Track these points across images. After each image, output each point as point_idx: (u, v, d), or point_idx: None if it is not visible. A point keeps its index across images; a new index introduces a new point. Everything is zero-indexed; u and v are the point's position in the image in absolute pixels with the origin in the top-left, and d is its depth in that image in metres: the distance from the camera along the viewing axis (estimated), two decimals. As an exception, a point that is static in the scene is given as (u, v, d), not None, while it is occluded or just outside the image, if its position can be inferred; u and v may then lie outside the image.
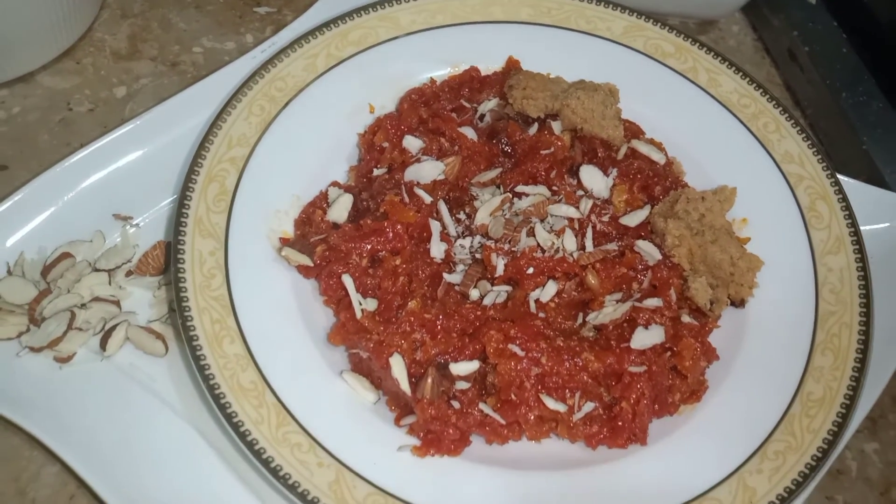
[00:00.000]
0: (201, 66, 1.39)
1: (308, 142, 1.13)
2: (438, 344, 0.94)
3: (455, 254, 1.05)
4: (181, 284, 0.96)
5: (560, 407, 0.92)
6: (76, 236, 1.10)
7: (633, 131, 1.17)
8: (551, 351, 0.94)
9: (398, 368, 0.92)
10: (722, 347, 1.03)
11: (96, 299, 1.06)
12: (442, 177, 1.08)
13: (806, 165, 1.16)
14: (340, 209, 1.07)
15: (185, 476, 0.94)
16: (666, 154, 1.17)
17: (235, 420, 0.88)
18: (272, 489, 0.92)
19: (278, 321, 0.99)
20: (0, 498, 0.96)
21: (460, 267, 1.04)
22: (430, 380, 0.92)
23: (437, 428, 0.92)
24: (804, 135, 1.18)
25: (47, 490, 0.98)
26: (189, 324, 0.94)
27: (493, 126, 1.14)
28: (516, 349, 0.93)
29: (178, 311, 0.95)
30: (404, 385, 0.92)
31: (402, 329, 0.95)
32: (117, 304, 1.07)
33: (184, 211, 1.01)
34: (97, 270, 1.08)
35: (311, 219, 1.07)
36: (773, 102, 1.21)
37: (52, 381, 1.00)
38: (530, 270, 1.01)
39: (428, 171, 1.07)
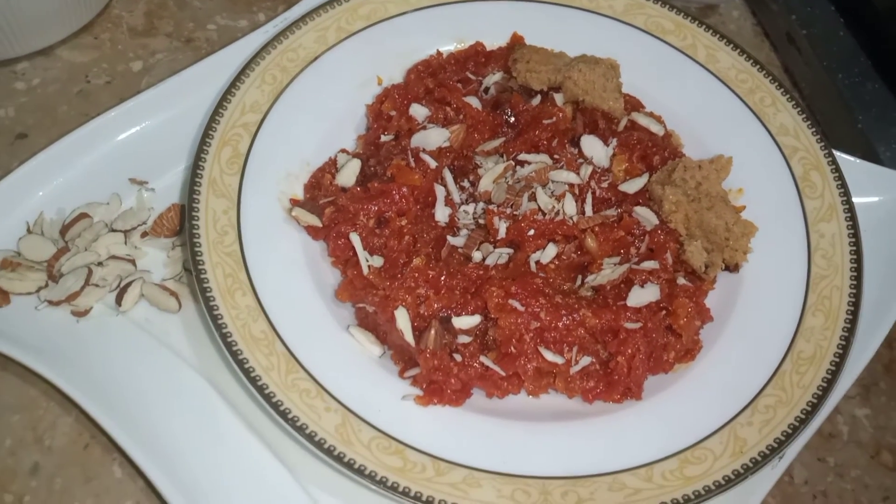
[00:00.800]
0: (215, 42, 1.42)
1: (318, 110, 1.16)
2: (441, 299, 0.97)
3: (459, 219, 1.08)
4: (195, 240, 1.00)
5: (558, 359, 0.96)
6: (94, 198, 1.14)
7: (633, 104, 1.20)
8: (550, 307, 0.97)
9: (403, 321, 0.96)
10: (716, 309, 1.07)
11: (112, 258, 1.10)
12: (447, 144, 1.11)
13: (801, 138, 1.19)
14: (349, 173, 1.10)
15: (197, 425, 0.98)
16: (665, 126, 1.20)
17: (247, 366, 0.92)
18: (282, 433, 0.95)
19: (288, 277, 1.02)
20: (19, 444, 1.00)
21: (464, 231, 1.08)
22: (433, 332, 0.95)
23: (440, 378, 0.95)
24: (799, 108, 1.21)
25: (64, 438, 1.02)
26: (203, 276, 0.97)
27: (498, 97, 1.18)
28: (516, 304, 0.97)
29: (192, 265, 0.99)
30: (408, 336, 0.96)
31: (406, 284, 0.98)
32: (133, 262, 1.10)
33: (198, 172, 1.05)
34: (113, 231, 1.12)
35: (320, 182, 1.10)
36: (770, 78, 1.24)
37: (70, 334, 1.04)
38: (531, 233, 1.04)
39: (434, 138, 1.11)
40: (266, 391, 0.91)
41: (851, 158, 1.25)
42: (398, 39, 1.24)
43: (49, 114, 1.30)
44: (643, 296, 0.99)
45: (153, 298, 1.07)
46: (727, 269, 1.10)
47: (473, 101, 1.14)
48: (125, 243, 1.12)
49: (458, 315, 0.97)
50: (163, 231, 1.13)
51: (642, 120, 1.19)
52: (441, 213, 1.07)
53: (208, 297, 0.96)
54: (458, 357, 0.97)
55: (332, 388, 0.93)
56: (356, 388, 0.95)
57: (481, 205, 1.10)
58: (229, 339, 0.93)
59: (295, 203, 1.08)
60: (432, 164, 1.08)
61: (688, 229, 1.08)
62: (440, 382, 0.95)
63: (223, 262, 0.99)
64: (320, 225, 1.06)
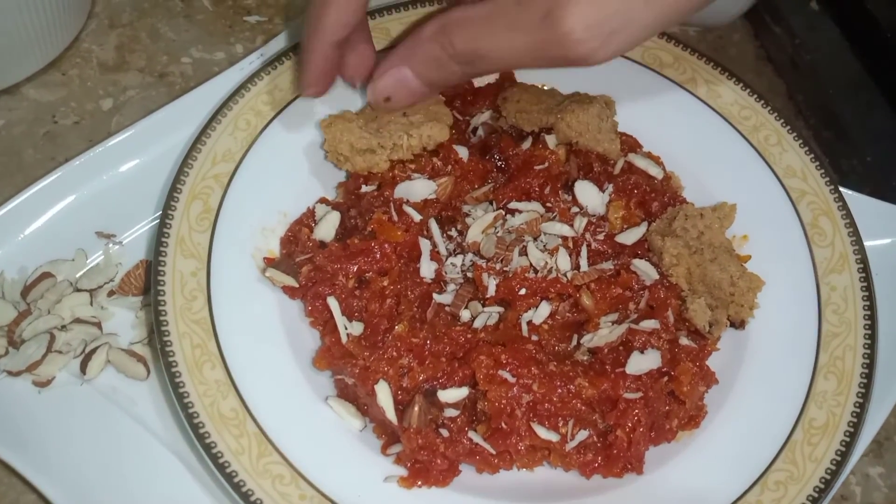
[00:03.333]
0: (190, 77, 1.35)
1: (295, 157, 1.09)
2: (426, 370, 0.91)
3: (446, 272, 1.02)
4: (161, 308, 0.93)
5: (552, 436, 0.89)
6: (58, 255, 1.07)
7: (630, 145, 1.13)
8: (543, 377, 0.91)
9: (384, 396, 0.89)
10: (721, 370, 1.00)
11: (77, 321, 1.03)
12: (433, 196, 1.04)
13: (808, 180, 1.12)
14: (328, 227, 1.03)
15: (167, 505, 0.91)
16: (664, 168, 1.13)
17: (215, 451, 0.85)
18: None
19: (262, 345, 0.96)
20: (-24, 527, 0.94)
21: (451, 287, 1.01)
22: (417, 408, 0.89)
23: (425, 458, 0.89)
24: (806, 148, 1.15)
25: (26, 518, 0.96)
26: (168, 349, 0.91)
27: (486, 140, 1.11)
28: (507, 375, 0.90)
29: (157, 337, 0.92)
30: (390, 414, 0.89)
31: (388, 355, 0.91)
32: (98, 325, 1.04)
33: (165, 231, 0.98)
34: (79, 290, 1.05)
35: (297, 237, 1.04)
36: (775, 114, 1.17)
37: (31, 406, 0.97)
38: (523, 291, 0.98)
39: (419, 189, 1.04)
40: (235, 479, 0.84)
41: (860, 196, 1.18)
42: None
43: (14, 158, 1.23)
44: (643, 363, 0.93)
45: (120, 365, 1.01)
46: (732, 325, 1.03)
47: (462, 151, 1.07)
48: (91, 304, 1.05)
49: (445, 387, 0.90)
50: (131, 289, 1.06)
51: (640, 162, 1.12)
52: (426, 269, 1.01)
53: (174, 372, 0.89)
54: (444, 433, 0.90)
55: (307, 473, 0.86)
56: (334, 470, 0.88)
57: (469, 257, 1.03)
58: (196, 421, 0.87)
59: (269, 263, 1.01)
60: (416, 217, 1.01)
61: (690, 284, 1.02)
62: (426, 462, 0.89)
63: (191, 331, 0.93)
64: (297, 285, 0.99)
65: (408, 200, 1.04)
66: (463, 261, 1.03)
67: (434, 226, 1.03)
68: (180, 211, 1.00)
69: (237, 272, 1.00)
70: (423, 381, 0.91)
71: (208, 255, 0.99)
